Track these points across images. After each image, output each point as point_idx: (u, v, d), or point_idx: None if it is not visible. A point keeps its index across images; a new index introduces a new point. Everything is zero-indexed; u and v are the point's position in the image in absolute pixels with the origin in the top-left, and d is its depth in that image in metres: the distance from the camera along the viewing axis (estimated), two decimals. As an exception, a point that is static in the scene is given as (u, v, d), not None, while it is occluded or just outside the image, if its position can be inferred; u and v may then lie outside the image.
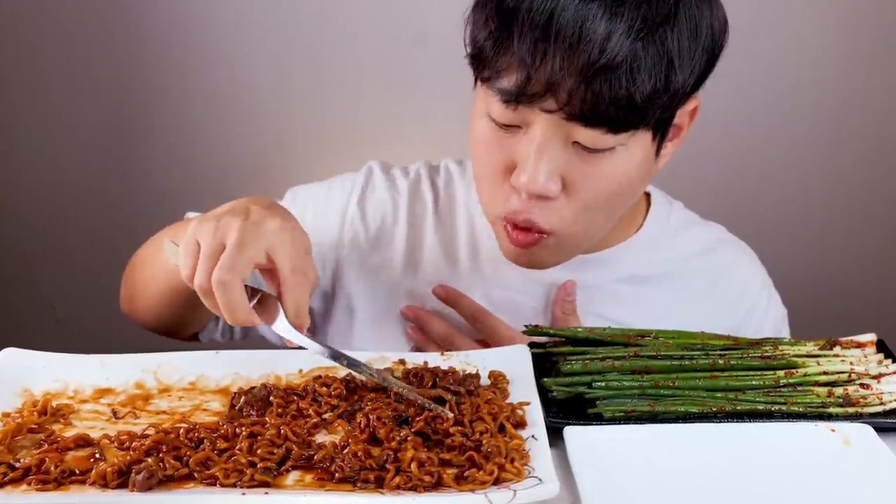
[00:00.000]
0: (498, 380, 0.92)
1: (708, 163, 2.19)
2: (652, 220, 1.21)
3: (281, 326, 0.87)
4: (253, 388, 0.89)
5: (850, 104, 2.17)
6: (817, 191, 2.25)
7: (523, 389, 0.89)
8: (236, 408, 0.87)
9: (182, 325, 1.17)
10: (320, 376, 0.92)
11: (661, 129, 0.99)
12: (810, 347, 0.97)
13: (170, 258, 0.93)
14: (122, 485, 0.74)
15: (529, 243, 1.02)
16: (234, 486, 0.74)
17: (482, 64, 0.97)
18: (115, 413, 0.87)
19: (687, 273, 1.21)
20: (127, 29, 2.12)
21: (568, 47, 0.89)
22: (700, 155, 2.15)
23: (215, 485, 0.74)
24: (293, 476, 0.76)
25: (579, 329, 0.99)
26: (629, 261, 1.19)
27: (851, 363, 0.94)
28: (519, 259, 1.07)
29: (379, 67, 2.14)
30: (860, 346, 0.98)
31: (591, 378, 0.91)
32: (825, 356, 0.95)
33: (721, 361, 0.93)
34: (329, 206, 1.21)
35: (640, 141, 0.97)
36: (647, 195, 1.24)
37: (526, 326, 1.00)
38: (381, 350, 0.99)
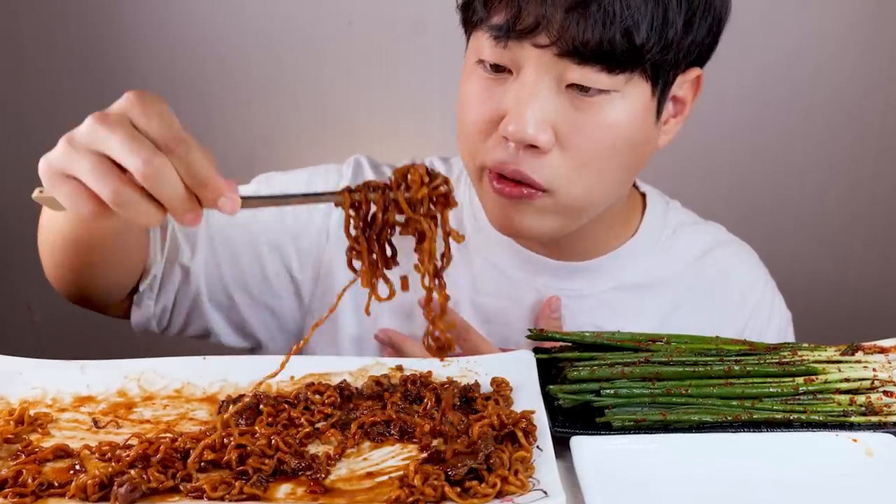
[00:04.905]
0: (501, 387, 0.92)
1: (721, 160, 2.20)
2: (648, 222, 1.21)
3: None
4: (242, 395, 0.89)
5: (870, 97, 2.17)
6: (838, 189, 2.25)
7: (528, 397, 0.89)
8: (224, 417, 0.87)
9: (102, 283, 1.07)
10: (313, 383, 0.92)
11: (661, 86, 1.01)
12: (831, 353, 0.97)
13: (52, 208, 0.81)
14: (104, 498, 0.74)
15: (519, 196, 1.01)
16: (222, 499, 0.74)
17: (473, 8, 1.00)
18: (96, 422, 0.87)
19: (685, 278, 1.21)
20: (110, 20, 2.12)
21: None
22: (713, 152, 2.15)
23: (202, 498, 0.74)
24: (284, 488, 0.76)
25: (587, 333, 0.99)
26: (625, 267, 1.18)
27: (874, 369, 0.94)
28: (507, 220, 1.05)
29: (376, 56, 2.14)
30: (884, 351, 0.98)
31: (600, 385, 0.91)
32: (846, 362, 0.95)
33: (736, 368, 0.93)
34: None
35: (638, 91, 0.99)
36: (643, 196, 1.23)
37: (530, 330, 1.00)
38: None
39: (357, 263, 0.84)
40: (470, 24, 1.03)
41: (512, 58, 0.97)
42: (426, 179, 0.82)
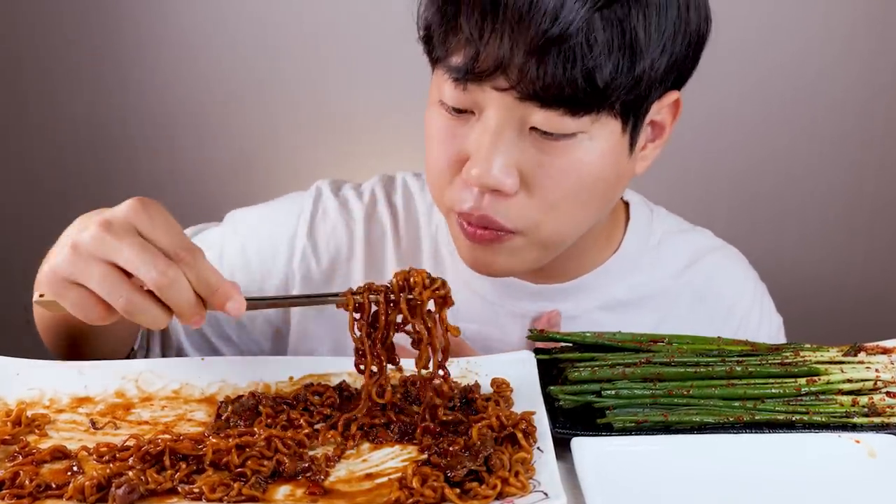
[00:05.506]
0: (501, 388, 0.92)
1: (725, 164, 2.19)
2: (632, 235, 1.17)
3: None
4: (240, 396, 0.89)
5: (876, 100, 2.17)
6: (841, 193, 2.25)
7: (528, 398, 0.89)
8: (223, 417, 0.87)
9: (94, 356, 1.05)
10: (312, 384, 0.92)
11: (633, 121, 0.97)
12: (833, 353, 0.97)
13: (52, 311, 0.84)
14: (102, 500, 0.74)
15: (490, 239, 0.99)
16: (220, 500, 0.74)
17: (433, 44, 0.96)
18: (93, 423, 0.87)
19: (673, 291, 1.18)
20: (104, 25, 2.13)
21: (517, 20, 0.88)
22: (716, 156, 2.15)
23: (200, 499, 0.74)
24: (283, 490, 0.76)
25: (587, 334, 0.99)
26: (610, 285, 1.15)
27: (877, 370, 0.94)
28: (479, 261, 1.03)
29: (373, 55, 2.14)
30: (886, 351, 0.98)
31: (601, 386, 0.91)
32: (849, 363, 0.95)
33: (738, 368, 0.93)
34: (275, 237, 1.16)
35: (606, 131, 0.95)
36: (626, 205, 1.20)
37: (531, 331, 1.00)
38: None
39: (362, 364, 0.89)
40: (431, 58, 0.99)
41: (473, 100, 0.94)
42: (427, 284, 0.87)
